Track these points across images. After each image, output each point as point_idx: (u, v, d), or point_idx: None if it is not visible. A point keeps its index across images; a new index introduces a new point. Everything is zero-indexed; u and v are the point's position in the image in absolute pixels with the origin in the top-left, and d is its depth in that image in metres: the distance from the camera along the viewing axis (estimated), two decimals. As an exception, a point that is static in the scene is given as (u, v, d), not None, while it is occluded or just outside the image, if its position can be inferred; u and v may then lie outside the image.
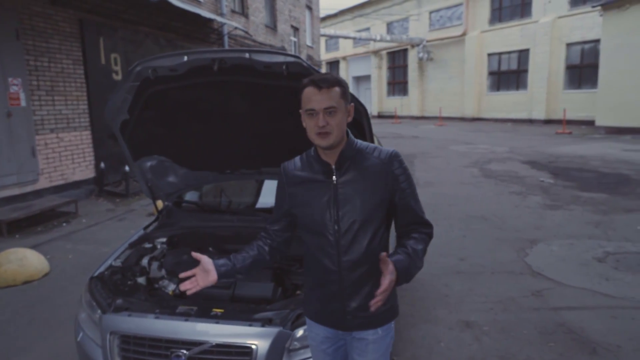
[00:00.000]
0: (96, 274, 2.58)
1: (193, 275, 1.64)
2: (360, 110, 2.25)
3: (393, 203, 1.62)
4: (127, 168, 8.05)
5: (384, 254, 1.47)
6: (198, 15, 10.33)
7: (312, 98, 1.50)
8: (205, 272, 1.63)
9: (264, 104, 2.55)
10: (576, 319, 3.51)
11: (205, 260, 1.64)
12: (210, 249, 2.92)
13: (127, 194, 8.27)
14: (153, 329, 2.05)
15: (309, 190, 1.63)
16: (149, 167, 3.03)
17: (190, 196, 3.52)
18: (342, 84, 1.54)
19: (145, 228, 3.12)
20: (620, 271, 4.46)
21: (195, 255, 1.66)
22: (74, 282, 4.39)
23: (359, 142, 1.65)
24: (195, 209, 3.34)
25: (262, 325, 1.99)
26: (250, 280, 2.43)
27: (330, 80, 1.51)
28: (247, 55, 2.21)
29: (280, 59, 2.19)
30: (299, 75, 2.24)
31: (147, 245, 2.92)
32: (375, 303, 1.44)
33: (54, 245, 5.70)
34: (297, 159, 1.72)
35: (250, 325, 2.00)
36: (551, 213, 6.68)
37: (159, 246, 2.95)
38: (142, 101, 2.58)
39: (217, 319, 2.06)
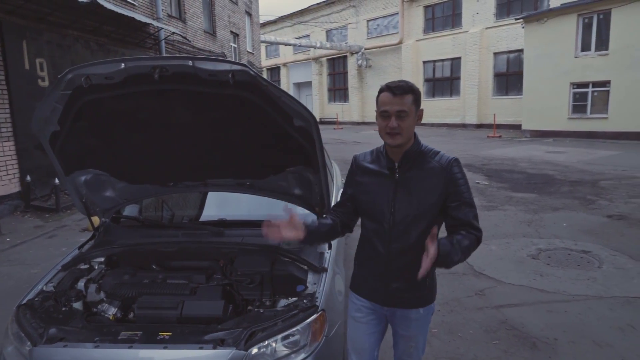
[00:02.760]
0: (24, 301, 2.34)
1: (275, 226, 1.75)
2: (309, 119, 2.15)
3: (446, 205, 1.78)
4: (57, 181, 7.50)
5: (435, 228, 1.67)
6: (132, 19, 9.88)
7: (387, 101, 1.72)
8: (292, 227, 1.76)
9: (209, 114, 2.45)
10: (516, 315, 3.69)
11: (297, 218, 1.77)
12: (154, 266, 2.77)
13: (57, 208, 7.70)
14: (93, 360, 1.89)
15: (374, 181, 1.86)
16: (83, 181, 2.81)
17: (130, 211, 3.32)
18: (415, 92, 1.73)
19: (80, 247, 2.89)
20: (551, 266, 4.77)
21: (288, 209, 1.80)
22: (-2, 309, 3.98)
23: (425, 145, 1.84)
24: (136, 225, 3.15)
25: (214, 347, 1.89)
26: (198, 299, 2.31)
27: (405, 88, 1.72)
28: (190, 62, 2.10)
29: (226, 67, 2.10)
30: (247, 84, 2.16)
31: (83, 267, 2.70)
32: (421, 274, 1.61)
33: (-27, 269, 5.17)
34: (368, 152, 1.95)
35: (201, 347, 1.90)
36: (488, 214, 7.02)
37: (96, 267, 2.73)
38: (74, 111, 2.38)
39: (165, 343, 1.94)
